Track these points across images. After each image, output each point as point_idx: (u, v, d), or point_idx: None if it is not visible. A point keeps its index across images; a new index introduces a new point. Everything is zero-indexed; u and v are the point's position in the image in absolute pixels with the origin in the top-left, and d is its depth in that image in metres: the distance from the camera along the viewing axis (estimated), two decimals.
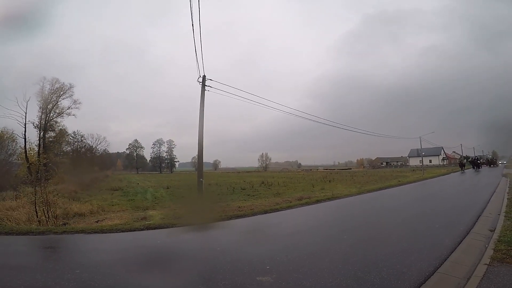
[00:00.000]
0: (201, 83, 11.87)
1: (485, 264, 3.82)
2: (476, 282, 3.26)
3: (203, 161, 12.16)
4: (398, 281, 3.48)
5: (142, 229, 7.69)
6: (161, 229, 7.70)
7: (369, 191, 15.73)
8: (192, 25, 10.32)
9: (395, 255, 4.47)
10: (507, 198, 9.81)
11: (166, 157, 50.48)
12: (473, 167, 38.25)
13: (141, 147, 48.20)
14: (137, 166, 47.43)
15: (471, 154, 55.65)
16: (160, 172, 47.85)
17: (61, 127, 26.40)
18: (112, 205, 12.67)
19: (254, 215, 9.23)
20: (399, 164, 73.92)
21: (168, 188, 18.75)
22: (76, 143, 31.21)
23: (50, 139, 25.83)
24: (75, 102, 26.28)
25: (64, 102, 25.94)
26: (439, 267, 3.84)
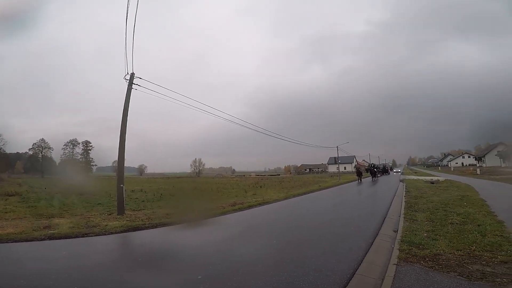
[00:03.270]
0: (128, 81, 10.75)
1: (394, 264, 4.31)
2: (390, 282, 3.64)
3: (126, 165, 10.99)
4: (324, 284, 3.65)
5: (43, 239, 6.60)
6: (67, 239, 6.69)
7: (294, 196, 16.82)
8: (126, 20, 9.45)
9: (319, 258, 4.73)
10: (405, 201, 11.73)
11: (80, 160, 43.91)
12: (372, 176, 32.16)
13: (49, 148, 40.80)
14: (42, 169, 39.82)
15: (377, 162, 65.56)
16: (73, 177, 41.43)
17: None
18: (5, 212, 10.61)
19: (183, 223, 8.70)
20: (319, 171, 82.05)
21: (81, 194, 16.29)
22: None
23: None
24: None
25: None
26: (357, 268, 4.18)
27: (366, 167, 39.01)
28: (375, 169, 33.84)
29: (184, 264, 4.83)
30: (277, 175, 70.88)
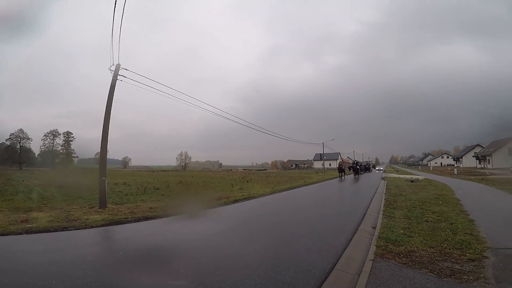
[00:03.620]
0: (113, 72, 10.46)
1: (371, 260, 4.50)
2: (366, 277, 3.81)
3: (110, 157, 10.79)
4: (305, 279, 3.77)
5: (20, 233, 6.42)
6: (46, 233, 6.54)
7: (280, 191, 17.01)
8: (114, 10, 9.22)
9: (301, 254, 4.86)
10: (384, 198, 12.14)
11: (61, 151, 42.34)
12: (354, 174, 32.30)
13: (28, 138, 39.07)
14: (20, 160, 38.10)
15: (361, 159, 67.27)
16: (52, 169, 40.00)
17: None
18: None
19: (167, 216, 8.66)
20: (305, 166, 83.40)
21: (61, 187, 15.83)
22: None
23: None
24: None
25: None
26: (336, 263, 4.34)
27: (350, 165, 38.95)
28: (357, 167, 34.03)
29: (165, 258, 4.84)
30: (264, 170, 71.30)
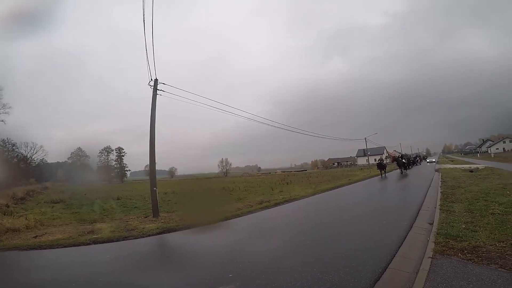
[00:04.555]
0: (152, 87, 11.26)
1: (429, 257, 4.18)
2: (424, 275, 3.55)
3: (158, 168, 11.55)
4: (355, 280, 3.64)
5: (88, 244, 7.10)
6: (110, 243, 7.15)
7: (323, 191, 16.55)
8: (144, 25, 9.92)
9: (350, 254, 4.69)
10: (440, 192, 11.13)
11: (115, 166, 46.61)
12: (400, 169, 27.12)
13: (86, 156, 43.79)
14: (81, 176, 42.86)
15: (409, 152, 62.32)
16: (109, 182, 44.07)
17: None
18: (53, 219, 11.44)
19: (210, 224, 8.98)
20: (348, 164, 79.99)
21: (118, 199, 17.36)
22: (6, 153, 27.37)
23: None
24: (4, 106, 23.05)
25: None
26: (390, 263, 4.11)
27: (393, 158, 33.79)
28: (403, 160, 28.11)
29: (215, 263, 4.99)
30: (303, 170, 70.11)
